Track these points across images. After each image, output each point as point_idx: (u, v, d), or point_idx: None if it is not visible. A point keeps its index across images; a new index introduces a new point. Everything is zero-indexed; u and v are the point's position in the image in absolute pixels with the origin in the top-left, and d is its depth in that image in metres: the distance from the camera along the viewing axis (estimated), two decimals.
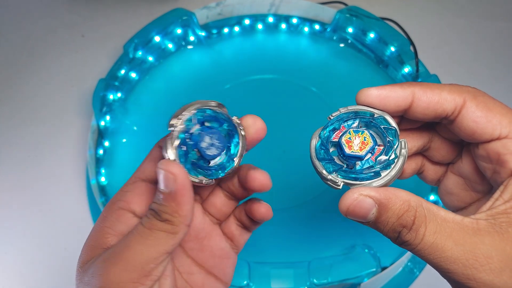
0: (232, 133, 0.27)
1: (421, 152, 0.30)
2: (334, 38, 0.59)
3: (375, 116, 0.26)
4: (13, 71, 0.62)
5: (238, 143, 0.27)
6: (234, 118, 0.27)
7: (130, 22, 0.65)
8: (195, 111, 0.26)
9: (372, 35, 0.56)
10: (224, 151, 0.26)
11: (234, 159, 0.27)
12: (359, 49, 0.58)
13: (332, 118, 0.27)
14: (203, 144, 0.25)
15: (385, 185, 0.25)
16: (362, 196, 0.23)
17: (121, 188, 0.28)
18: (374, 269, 0.43)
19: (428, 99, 0.25)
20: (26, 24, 0.66)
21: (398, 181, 0.30)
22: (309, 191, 0.49)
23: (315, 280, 0.43)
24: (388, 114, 0.26)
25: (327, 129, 0.27)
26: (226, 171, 0.27)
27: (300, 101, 0.56)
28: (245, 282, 0.43)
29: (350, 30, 0.58)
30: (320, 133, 0.27)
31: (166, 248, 0.24)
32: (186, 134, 0.25)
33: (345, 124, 0.26)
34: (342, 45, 0.59)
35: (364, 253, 0.44)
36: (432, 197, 0.47)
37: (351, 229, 0.48)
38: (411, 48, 0.57)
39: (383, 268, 0.44)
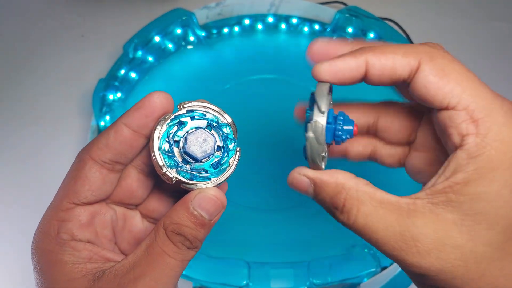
0: (220, 129, 0.27)
1: (371, 132, 0.30)
2: (334, 38, 0.59)
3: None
4: (13, 71, 0.62)
5: (226, 136, 0.27)
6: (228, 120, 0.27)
7: (130, 22, 0.65)
8: (182, 113, 0.26)
9: (372, 35, 0.57)
10: (215, 150, 0.26)
11: (229, 161, 0.27)
12: None
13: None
14: (191, 147, 0.25)
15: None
16: (300, 175, 0.25)
17: (50, 214, 0.26)
18: (373, 269, 0.43)
19: (382, 66, 0.24)
20: (26, 24, 0.66)
21: (396, 177, 0.30)
22: None
23: (314, 280, 0.43)
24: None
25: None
26: (222, 169, 0.26)
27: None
28: (244, 282, 0.43)
29: (350, 30, 0.58)
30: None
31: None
32: (168, 137, 0.26)
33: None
34: None
35: (363, 253, 0.44)
36: None
37: None
38: None
39: (383, 268, 0.44)
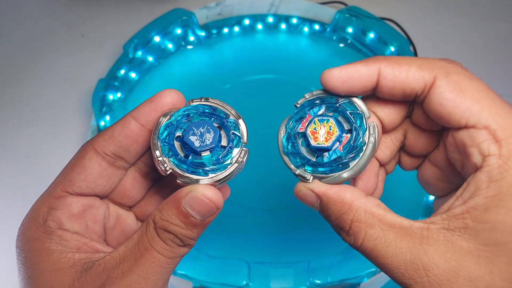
0: (227, 126, 0.25)
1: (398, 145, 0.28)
2: (334, 38, 0.59)
3: (340, 100, 0.24)
4: (12, 71, 0.62)
5: (235, 136, 0.25)
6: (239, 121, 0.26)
7: (130, 22, 0.65)
8: (187, 106, 0.25)
9: (371, 35, 0.56)
10: (216, 143, 0.24)
11: (232, 159, 0.24)
12: (359, 49, 0.58)
13: (298, 106, 0.25)
14: (190, 136, 0.24)
15: (355, 174, 0.24)
16: (306, 189, 0.24)
17: (41, 200, 0.25)
18: (373, 269, 0.43)
19: (394, 77, 0.22)
20: (26, 24, 0.66)
21: (399, 176, 0.29)
22: None
23: (314, 280, 0.43)
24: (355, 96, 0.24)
25: (293, 119, 0.25)
26: (222, 166, 0.24)
27: None
28: (244, 282, 0.43)
29: (349, 30, 0.58)
30: (286, 125, 0.25)
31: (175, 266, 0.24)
32: (170, 127, 0.24)
33: (311, 111, 0.25)
34: (341, 45, 0.59)
35: None
36: (431, 197, 0.47)
37: None
38: (411, 48, 0.57)
39: None
